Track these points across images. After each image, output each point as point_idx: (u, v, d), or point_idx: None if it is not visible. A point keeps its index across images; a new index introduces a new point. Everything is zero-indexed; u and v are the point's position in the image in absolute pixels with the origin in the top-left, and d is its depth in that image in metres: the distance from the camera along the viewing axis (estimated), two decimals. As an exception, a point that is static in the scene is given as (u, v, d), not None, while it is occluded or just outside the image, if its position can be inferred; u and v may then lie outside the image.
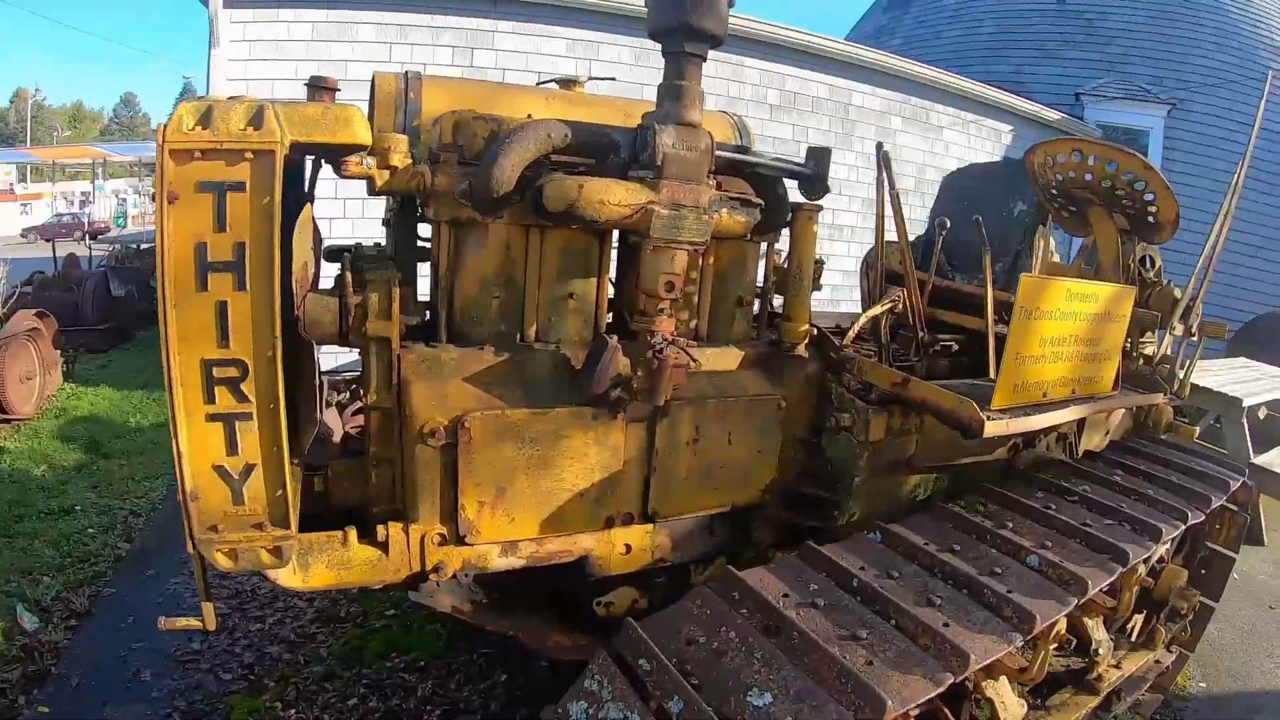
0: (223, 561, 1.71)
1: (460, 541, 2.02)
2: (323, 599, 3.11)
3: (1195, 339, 3.29)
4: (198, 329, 1.58)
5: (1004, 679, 2.22)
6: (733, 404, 2.29)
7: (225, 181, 1.55)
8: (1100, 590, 2.38)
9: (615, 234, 2.21)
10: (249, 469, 1.66)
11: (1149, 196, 2.79)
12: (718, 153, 2.07)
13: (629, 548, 2.27)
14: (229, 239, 1.57)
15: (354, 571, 1.98)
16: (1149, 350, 3.37)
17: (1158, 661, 2.99)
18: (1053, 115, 9.88)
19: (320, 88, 1.88)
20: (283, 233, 1.64)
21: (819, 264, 2.96)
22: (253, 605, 3.12)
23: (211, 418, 1.62)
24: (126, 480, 4.55)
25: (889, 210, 2.72)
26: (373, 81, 2.13)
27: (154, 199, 1.57)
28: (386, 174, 1.89)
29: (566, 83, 2.57)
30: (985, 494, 2.45)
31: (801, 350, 2.46)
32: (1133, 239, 3.36)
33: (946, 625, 1.70)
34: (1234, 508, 3.21)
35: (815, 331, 2.47)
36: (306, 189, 2.18)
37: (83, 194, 32.74)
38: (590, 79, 2.64)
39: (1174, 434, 3.58)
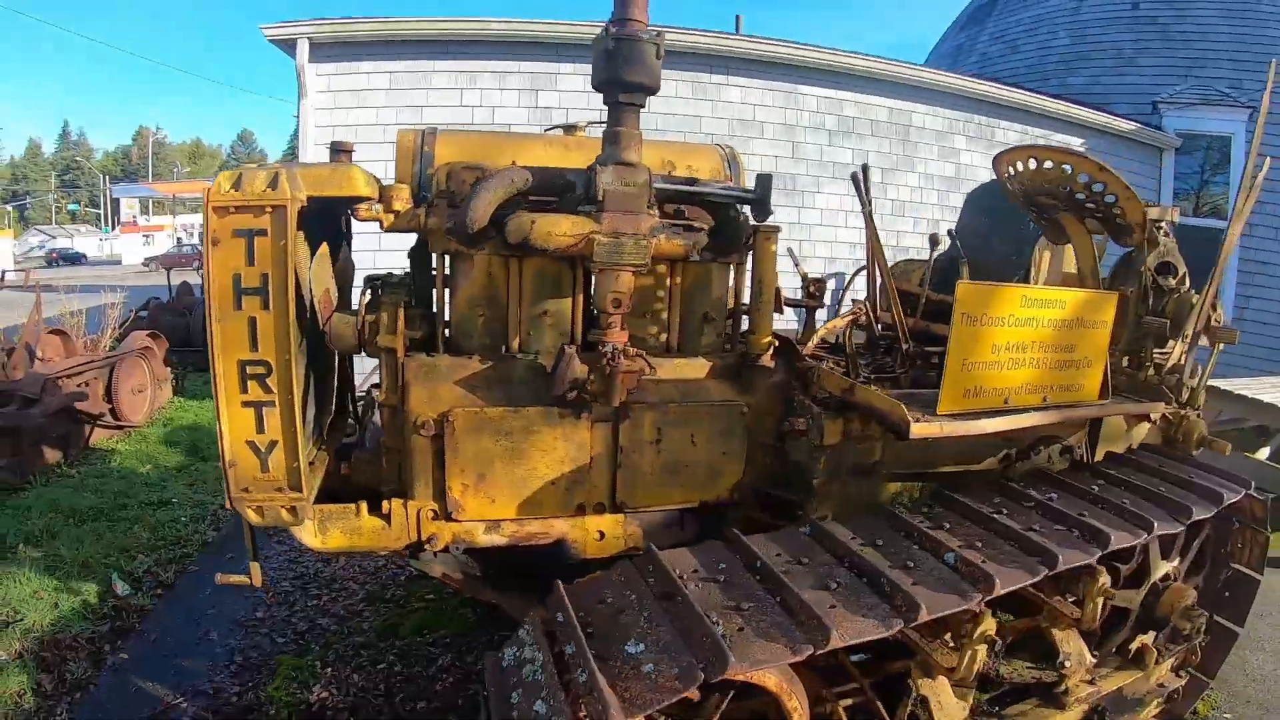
0: (253, 516, 2.23)
1: (449, 518, 2.45)
2: (373, 583, 3.65)
3: (1210, 347, 3.17)
4: (235, 338, 2.11)
5: (942, 679, 2.35)
6: (695, 408, 2.58)
7: (253, 229, 2.08)
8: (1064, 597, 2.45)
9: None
10: (272, 444, 2.17)
11: (1110, 199, 2.79)
12: (663, 185, 2.41)
13: (603, 535, 2.60)
14: (257, 271, 2.09)
15: (364, 538, 2.45)
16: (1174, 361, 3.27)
17: (1161, 685, 2.89)
18: (1126, 125, 9.45)
19: (339, 150, 2.42)
20: (313, 266, 2.17)
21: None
22: (314, 585, 3.72)
23: (245, 404, 2.14)
24: (219, 480, 5.35)
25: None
26: (397, 137, 2.66)
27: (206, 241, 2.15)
28: (391, 217, 2.39)
29: (569, 129, 3.01)
30: (937, 498, 2.56)
31: (766, 360, 2.70)
32: (1150, 246, 3.31)
33: (832, 607, 1.86)
34: (1254, 525, 3.03)
35: (778, 343, 2.70)
36: (345, 230, 2.74)
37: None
38: (590, 124, 3.06)
39: (1206, 448, 3.42)
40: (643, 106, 2.35)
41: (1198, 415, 3.50)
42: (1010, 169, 3.03)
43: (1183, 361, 3.17)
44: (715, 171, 3.06)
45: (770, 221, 2.70)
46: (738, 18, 9.32)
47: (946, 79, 8.27)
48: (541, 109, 6.54)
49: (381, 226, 2.41)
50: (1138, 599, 2.97)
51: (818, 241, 7.20)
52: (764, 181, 2.50)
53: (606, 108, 2.33)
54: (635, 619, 1.87)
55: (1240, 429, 5.90)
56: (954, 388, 2.45)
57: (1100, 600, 2.47)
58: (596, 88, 2.31)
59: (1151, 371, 3.25)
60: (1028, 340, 2.60)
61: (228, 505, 2.21)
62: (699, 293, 2.69)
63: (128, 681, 2.89)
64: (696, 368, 2.65)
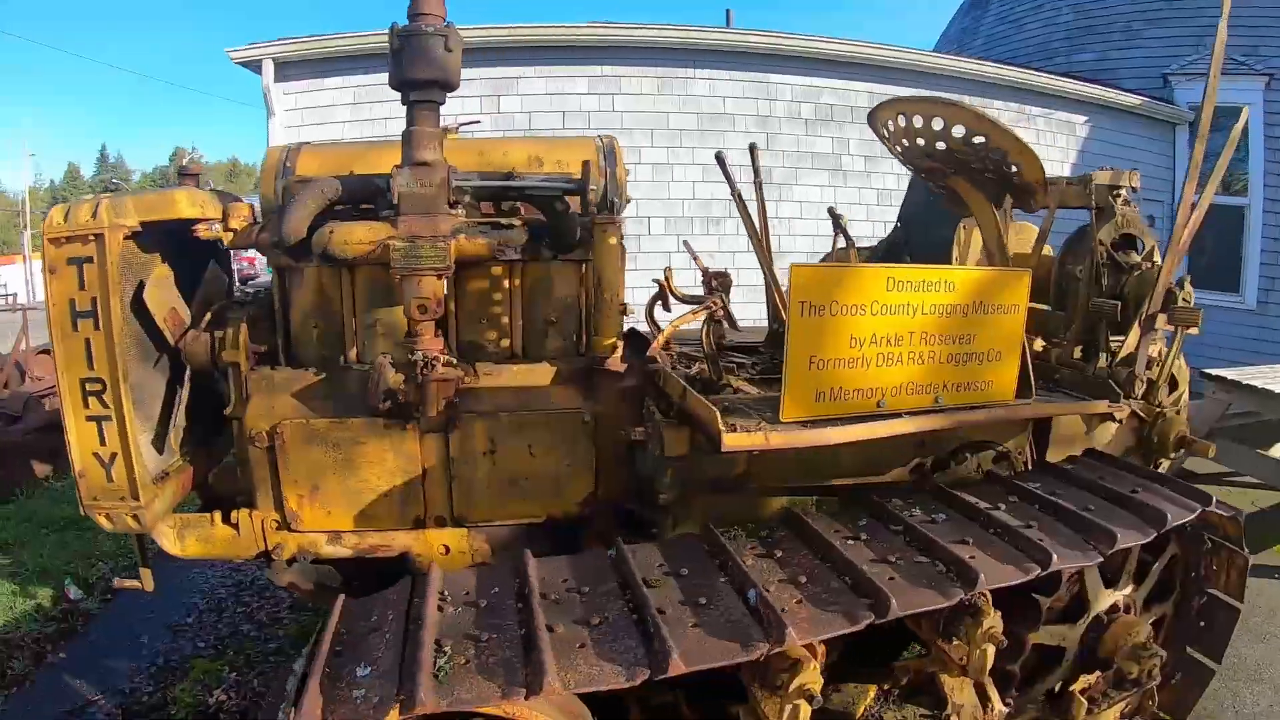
0: (103, 522, 2.39)
1: (289, 528, 2.52)
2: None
3: (1172, 332, 2.72)
4: (74, 357, 2.27)
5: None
6: (530, 418, 2.52)
7: (81, 256, 2.24)
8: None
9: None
10: (114, 456, 2.32)
11: (996, 154, 2.42)
12: (478, 183, 2.38)
13: (448, 549, 2.60)
14: (88, 295, 2.25)
15: (217, 546, 2.57)
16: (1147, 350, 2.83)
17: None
18: (1131, 100, 8.86)
19: (185, 174, 2.56)
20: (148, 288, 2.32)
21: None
22: (247, 594, 3.95)
23: (89, 418, 2.31)
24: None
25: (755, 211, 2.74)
26: (265, 154, 2.77)
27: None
28: (230, 235, 2.49)
29: (445, 131, 3.02)
30: (787, 520, 2.35)
31: (615, 365, 2.59)
32: (1107, 216, 2.90)
33: (581, 646, 1.73)
34: (1230, 546, 2.57)
35: (620, 345, 2.58)
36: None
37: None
38: (461, 126, 3.07)
39: (1188, 450, 2.94)
40: (440, 103, 2.33)
41: (1177, 412, 3.03)
42: (885, 130, 2.70)
43: (1137, 350, 2.75)
44: (591, 164, 2.97)
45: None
46: (728, 13, 9.03)
47: (932, 59, 7.90)
48: (504, 114, 6.63)
49: (222, 245, 2.52)
50: (1074, 635, 2.59)
51: (798, 235, 6.87)
52: (585, 170, 2.40)
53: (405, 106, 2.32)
54: (379, 640, 1.84)
55: (1251, 423, 5.08)
56: (799, 390, 2.25)
57: (987, 647, 2.13)
58: (394, 89, 2.31)
59: (1103, 362, 2.84)
60: (901, 331, 2.34)
61: (82, 513, 2.38)
62: (540, 295, 2.63)
63: (60, 679, 3.18)
64: (538, 374, 2.58)
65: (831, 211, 3.20)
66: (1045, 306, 3.15)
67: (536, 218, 2.55)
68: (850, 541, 2.18)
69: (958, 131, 2.38)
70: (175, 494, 2.54)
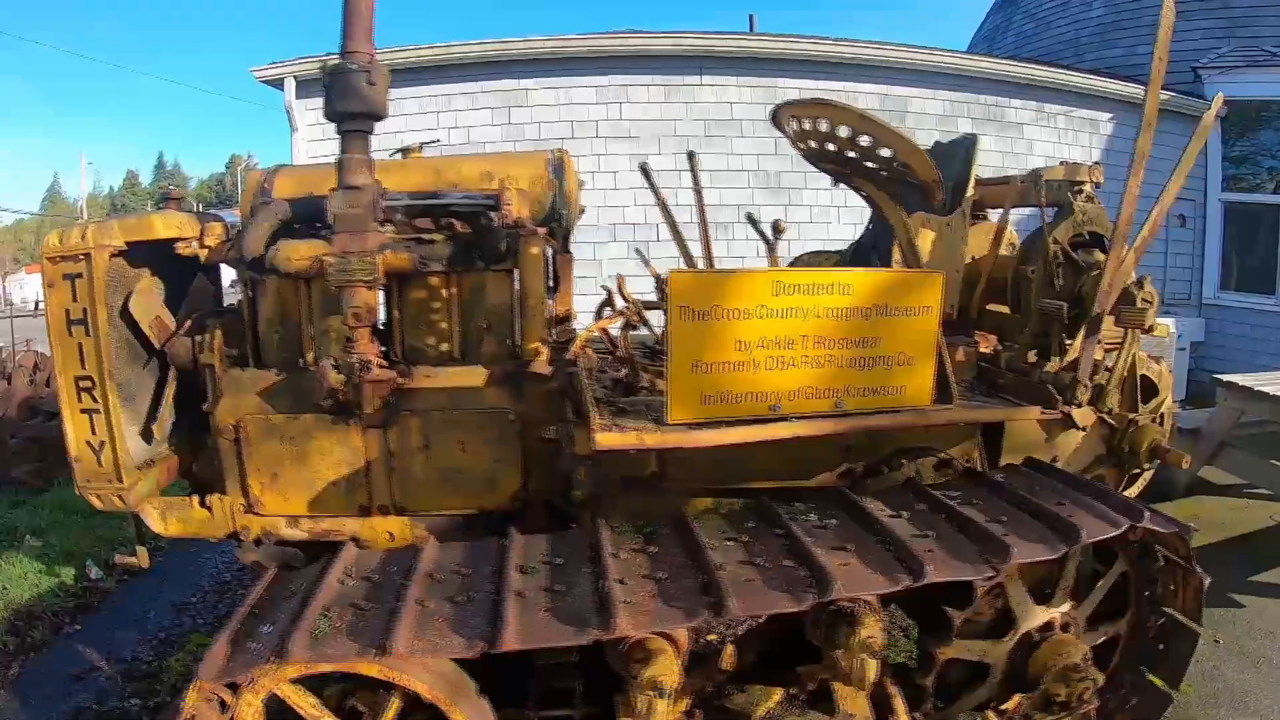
0: (95, 502, 2.79)
1: (253, 512, 2.85)
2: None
3: (1125, 337, 2.61)
4: (69, 358, 2.68)
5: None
6: (460, 416, 2.74)
7: (73, 273, 2.65)
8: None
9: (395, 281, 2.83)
10: (102, 444, 2.72)
11: (885, 153, 2.41)
12: (407, 202, 2.64)
13: (393, 536, 2.85)
14: (80, 305, 2.66)
15: (194, 525, 2.93)
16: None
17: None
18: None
19: (166, 199, 2.95)
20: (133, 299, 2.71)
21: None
22: (249, 577, 4.32)
23: (82, 411, 2.71)
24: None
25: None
26: (247, 178, 3.14)
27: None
28: (205, 251, 2.86)
29: (405, 151, 3.32)
30: (674, 520, 2.44)
31: (540, 367, 2.77)
32: (1066, 213, 2.81)
33: (442, 620, 1.96)
34: (1181, 564, 2.45)
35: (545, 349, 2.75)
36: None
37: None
38: (423, 146, 3.33)
39: (1163, 460, 2.80)
40: (369, 132, 2.59)
41: (1153, 420, 2.89)
42: (789, 135, 2.73)
43: (1081, 354, 2.66)
44: (536, 179, 3.18)
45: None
46: (751, 18, 8.93)
47: (943, 58, 7.69)
48: (514, 125, 6.90)
49: (199, 261, 2.89)
50: (999, 652, 2.54)
51: (809, 240, 6.76)
52: (501, 186, 2.60)
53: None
54: (288, 606, 2.11)
55: (1266, 432, 4.60)
56: (684, 393, 2.35)
57: (864, 658, 2.15)
58: (327, 120, 2.58)
59: (1050, 367, 2.76)
60: (793, 335, 2.39)
61: (77, 493, 2.80)
62: (475, 302, 2.85)
63: (74, 648, 3.67)
64: (471, 376, 2.79)
65: (775, 224, 3.24)
66: (1005, 309, 3.08)
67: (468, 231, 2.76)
68: (729, 542, 2.26)
69: (843, 132, 2.41)
70: (160, 479, 2.92)
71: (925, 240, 3.10)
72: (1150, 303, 2.66)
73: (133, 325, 2.85)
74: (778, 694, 2.53)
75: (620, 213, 6.86)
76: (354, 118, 2.54)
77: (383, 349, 2.82)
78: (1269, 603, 3.94)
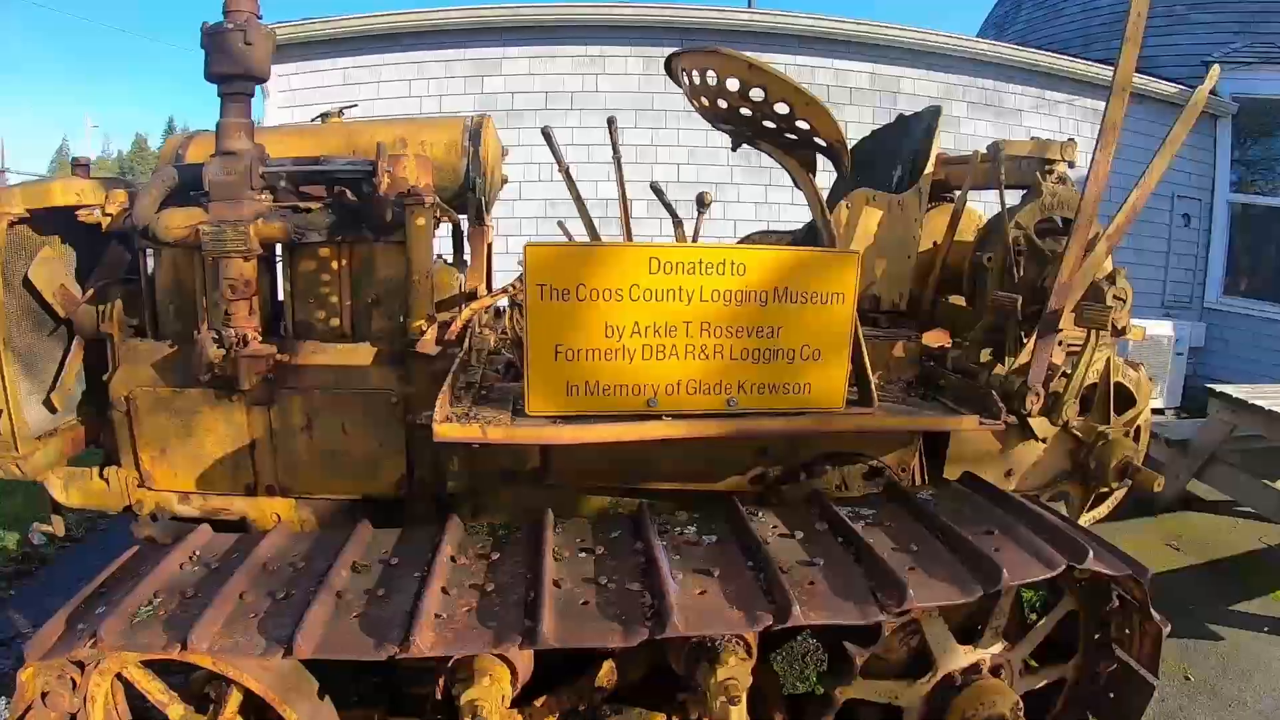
0: (-4, 472, 2.78)
1: (145, 486, 2.80)
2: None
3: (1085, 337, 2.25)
4: None
5: None
6: (342, 397, 2.61)
7: (-28, 240, 2.61)
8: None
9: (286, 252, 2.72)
10: (0, 412, 2.70)
11: (781, 109, 2.10)
12: (290, 168, 2.50)
13: (279, 518, 2.75)
14: (-22, 274, 2.63)
15: (94, 498, 2.90)
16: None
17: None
18: (1166, 88, 8.23)
19: (76, 165, 2.89)
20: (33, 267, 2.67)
21: None
22: None
23: (-22, 380, 2.70)
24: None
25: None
26: (164, 143, 3.07)
27: None
28: (107, 219, 2.79)
29: (324, 117, 3.19)
30: (530, 526, 2.24)
31: (426, 346, 2.60)
32: (1033, 195, 2.47)
33: (255, 616, 1.87)
34: (1139, 610, 2.11)
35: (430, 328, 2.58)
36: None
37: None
38: (342, 110, 3.20)
39: (1133, 480, 2.44)
40: (249, 95, 2.45)
41: (1127, 433, 2.53)
42: (683, 88, 2.40)
43: (1033, 357, 2.32)
44: (451, 145, 3.03)
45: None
46: None
47: (937, 38, 7.30)
48: (487, 94, 6.72)
49: (101, 229, 2.82)
50: (913, 695, 2.25)
51: (790, 222, 6.37)
52: (380, 150, 2.43)
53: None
54: (131, 586, 2.03)
55: (1258, 448, 4.06)
56: (544, 383, 2.14)
57: (723, 699, 1.88)
58: (207, 81, 2.46)
59: (1000, 370, 2.43)
60: (673, 320, 2.13)
61: None
62: (364, 275, 2.70)
63: (3, 613, 3.71)
64: (358, 354, 2.67)
65: (700, 197, 2.96)
66: (962, 301, 2.74)
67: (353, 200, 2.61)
68: (582, 554, 2.07)
69: (732, 85, 2.11)
70: (62, 449, 2.89)
71: (870, 219, 2.79)
72: (1123, 300, 2.29)
73: (38, 294, 2.81)
74: (659, 718, 2.32)
75: (594, 187, 6.68)
76: (230, 79, 2.42)
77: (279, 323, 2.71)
78: (1248, 637, 3.47)
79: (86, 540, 4.55)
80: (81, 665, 1.97)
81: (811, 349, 2.22)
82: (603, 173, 6.61)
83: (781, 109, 2.09)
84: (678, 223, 3.15)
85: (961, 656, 2.23)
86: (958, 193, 2.83)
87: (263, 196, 2.50)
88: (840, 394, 2.26)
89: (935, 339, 2.94)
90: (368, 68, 7.05)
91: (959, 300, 2.84)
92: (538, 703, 2.22)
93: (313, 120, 3.38)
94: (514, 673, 1.90)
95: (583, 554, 2.05)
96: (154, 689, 2.05)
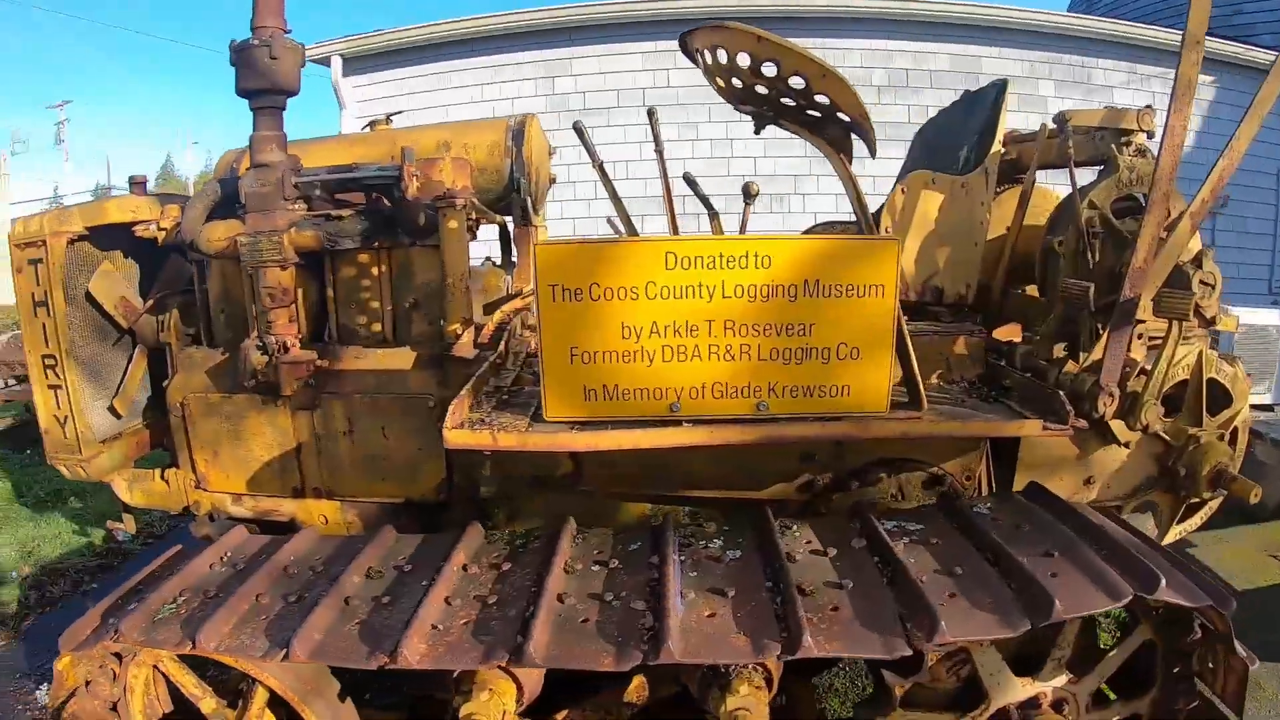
0: (64, 472, 3.00)
1: (201, 487, 2.93)
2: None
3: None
4: (36, 338, 2.88)
5: None
6: (382, 401, 2.65)
7: (36, 258, 2.82)
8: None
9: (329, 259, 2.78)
10: (66, 418, 2.90)
11: (797, 82, 1.93)
12: (310, 178, 2.56)
13: (326, 520, 2.83)
14: (43, 288, 2.83)
15: (155, 498, 3.07)
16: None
17: None
18: (1263, 56, 7.50)
19: (133, 183, 3.06)
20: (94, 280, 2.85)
21: None
22: None
23: (49, 387, 2.91)
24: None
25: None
26: (221, 156, 3.22)
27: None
28: (162, 233, 2.95)
29: (373, 124, 3.26)
30: (547, 537, 2.19)
31: (463, 350, 2.60)
32: (1109, 171, 2.22)
33: (263, 618, 1.92)
34: (1222, 642, 1.85)
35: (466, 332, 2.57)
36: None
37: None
38: (389, 117, 3.25)
39: (1227, 489, 2.14)
40: (280, 108, 2.52)
41: (1221, 437, 2.24)
42: (700, 65, 2.26)
43: (1106, 352, 2.07)
44: (494, 146, 3.04)
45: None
46: None
47: (1020, 14, 6.93)
48: (558, 95, 6.64)
49: (157, 243, 2.98)
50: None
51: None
52: (406, 154, 2.44)
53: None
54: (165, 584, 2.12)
55: None
56: (561, 386, 2.08)
57: None
58: (239, 96, 2.54)
59: (1071, 368, 2.20)
60: (695, 319, 2.01)
61: (47, 462, 3.01)
62: (403, 280, 2.73)
63: (86, 605, 3.96)
64: (398, 359, 2.70)
65: (746, 188, 2.82)
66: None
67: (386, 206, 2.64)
68: (595, 567, 2.00)
69: (744, 61, 1.97)
70: (126, 452, 3.07)
71: (930, 203, 2.58)
72: (1210, 286, 2.01)
73: (100, 306, 2.99)
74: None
75: (672, 183, 6.59)
76: (259, 94, 2.49)
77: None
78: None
79: (168, 537, 4.85)
80: (120, 657, 2.07)
81: (849, 348, 2.06)
82: (676, 168, 6.58)
83: (797, 83, 1.94)
84: (713, 215, 3.04)
85: (1018, 689, 2.02)
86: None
87: (296, 206, 2.56)
88: (883, 396, 2.09)
89: (1007, 334, 2.70)
90: (439, 74, 7.26)
91: (1034, 291, 2.60)
92: (559, 716, 2.17)
93: (362, 129, 3.46)
94: (520, 688, 1.84)
95: (596, 567, 1.98)
96: (188, 682, 2.13)
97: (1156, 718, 2.07)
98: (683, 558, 1.97)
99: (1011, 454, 2.43)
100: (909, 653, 1.65)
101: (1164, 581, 1.74)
